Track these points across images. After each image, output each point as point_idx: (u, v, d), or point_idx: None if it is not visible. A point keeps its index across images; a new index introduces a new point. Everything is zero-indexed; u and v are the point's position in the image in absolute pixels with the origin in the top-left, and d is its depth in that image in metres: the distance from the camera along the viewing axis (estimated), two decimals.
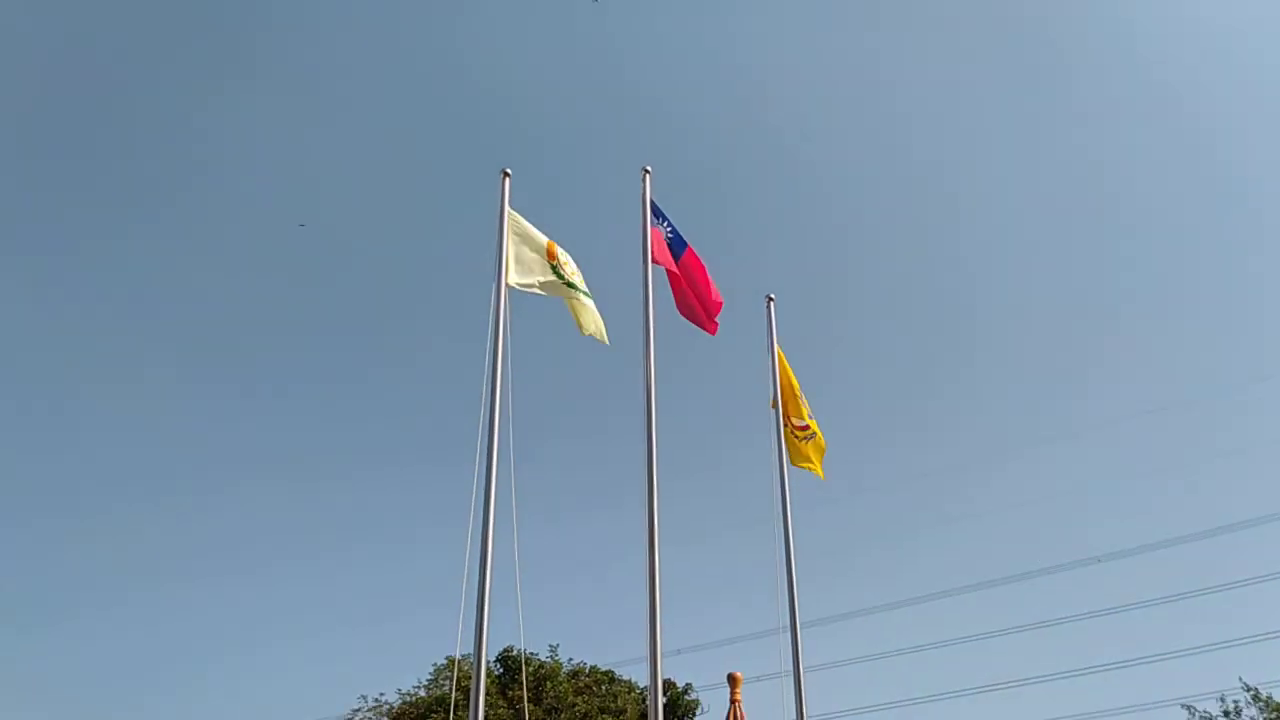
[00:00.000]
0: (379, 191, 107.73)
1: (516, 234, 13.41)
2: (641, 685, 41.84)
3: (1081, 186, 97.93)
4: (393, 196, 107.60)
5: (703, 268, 15.11)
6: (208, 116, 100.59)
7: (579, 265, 14.06)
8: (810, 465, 16.36)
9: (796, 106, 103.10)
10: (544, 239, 13.71)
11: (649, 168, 15.13)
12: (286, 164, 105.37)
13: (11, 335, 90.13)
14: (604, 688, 41.82)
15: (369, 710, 45.20)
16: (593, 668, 42.78)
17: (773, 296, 16.94)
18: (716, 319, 15.10)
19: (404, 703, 42.63)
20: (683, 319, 14.97)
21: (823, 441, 16.55)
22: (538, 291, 13.39)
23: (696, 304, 14.95)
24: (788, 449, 15.83)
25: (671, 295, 14.95)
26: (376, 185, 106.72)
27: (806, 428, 16.34)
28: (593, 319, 13.82)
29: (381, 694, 45.23)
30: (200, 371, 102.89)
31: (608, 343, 13.90)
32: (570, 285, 13.62)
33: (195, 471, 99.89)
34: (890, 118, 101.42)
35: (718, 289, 15.21)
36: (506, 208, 13.44)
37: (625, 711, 39.75)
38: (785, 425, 16.06)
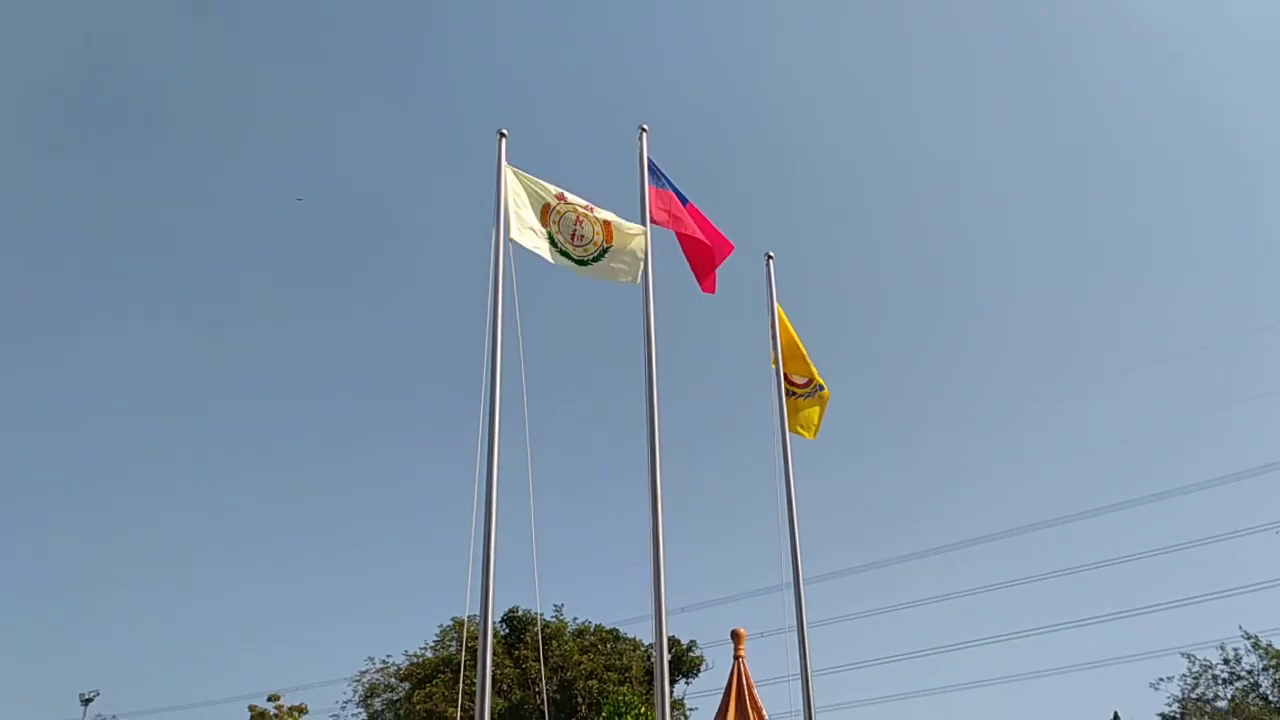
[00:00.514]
0: (376, 157, 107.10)
1: (517, 192, 13.33)
2: (646, 643, 42.19)
3: (1073, 141, 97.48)
4: (390, 162, 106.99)
5: (706, 220, 15.05)
6: (205, 74, 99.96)
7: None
8: (803, 431, 16.38)
9: (790, 68, 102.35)
10: (551, 192, 13.53)
11: (646, 126, 15.04)
12: (283, 125, 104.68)
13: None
14: (609, 646, 42.15)
15: (376, 671, 45.69)
16: (597, 626, 43.09)
17: (772, 254, 16.90)
18: (715, 274, 15.01)
19: (411, 663, 43.03)
20: (689, 276, 14.91)
21: (827, 393, 16.55)
22: (545, 257, 13.29)
23: (705, 255, 14.88)
24: (785, 411, 15.93)
25: (681, 251, 14.91)
26: (374, 150, 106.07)
27: (809, 383, 16.34)
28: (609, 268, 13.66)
29: (389, 655, 45.77)
30: (203, 341, 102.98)
31: (637, 282, 13.64)
32: (564, 254, 13.44)
33: (199, 445, 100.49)
34: (888, 76, 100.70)
35: (723, 236, 15.18)
36: (504, 166, 13.37)
37: (630, 669, 40.09)
38: (785, 384, 16.12)
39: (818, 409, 16.43)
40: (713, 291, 15.09)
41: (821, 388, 16.43)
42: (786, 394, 16.07)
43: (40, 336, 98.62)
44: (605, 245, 13.55)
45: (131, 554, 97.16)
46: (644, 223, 14.05)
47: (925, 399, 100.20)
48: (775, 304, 16.49)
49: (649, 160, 14.63)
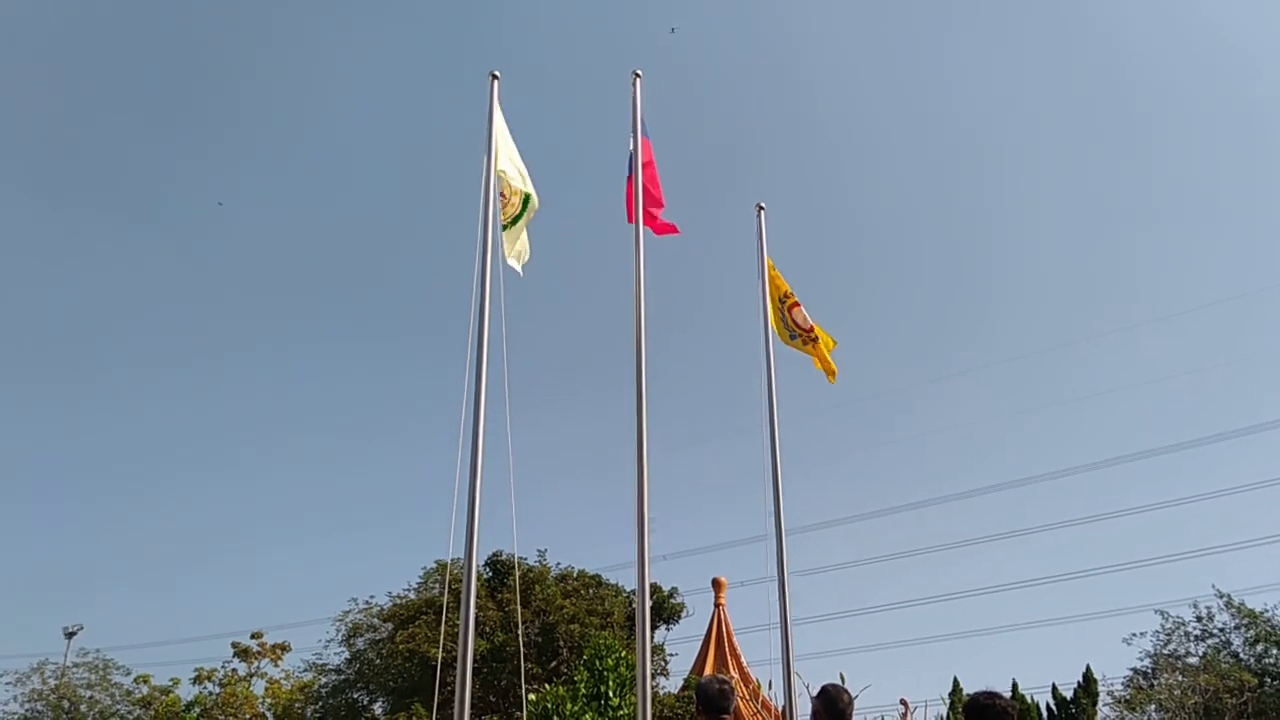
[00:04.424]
0: (371, 94, 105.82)
1: (506, 136, 13.24)
2: (628, 589, 42.58)
3: (1099, 84, 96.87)
4: (385, 101, 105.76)
5: (653, 164, 14.61)
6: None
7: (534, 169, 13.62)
8: (823, 367, 16.38)
9: (791, 12, 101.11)
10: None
11: (639, 71, 14.84)
12: (279, 68, 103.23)
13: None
14: (591, 591, 42.52)
15: (359, 612, 46.03)
16: (580, 572, 43.43)
17: (763, 205, 16.79)
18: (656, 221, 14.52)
19: (394, 605, 43.35)
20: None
21: (830, 340, 16.52)
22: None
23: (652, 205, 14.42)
24: (804, 352, 16.14)
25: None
26: (369, 88, 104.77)
27: (810, 330, 16.32)
28: (517, 245, 13.40)
29: (371, 596, 46.07)
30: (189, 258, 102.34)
31: (521, 272, 13.45)
32: (511, 223, 13.27)
33: (183, 354, 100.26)
34: (921, 23, 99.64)
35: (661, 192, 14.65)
36: (496, 109, 13.25)
37: (612, 614, 40.47)
38: (783, 328, 16.18)
39: (825, 354, 16.36)
40: (675, 231, 14.64)
41: (817, 338, 16.39)
42: (792, 338, 16.14)
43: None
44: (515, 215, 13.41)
45: (115, 463, 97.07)
46: (634, 171, 13.92)
47: (921, 351, 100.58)
48: (765, 255, 16.42)
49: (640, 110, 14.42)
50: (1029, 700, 37.57)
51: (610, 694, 23.63)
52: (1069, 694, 38.70)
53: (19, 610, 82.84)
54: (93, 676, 53.37)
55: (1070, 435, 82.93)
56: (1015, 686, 37.01)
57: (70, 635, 55.11)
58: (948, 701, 32.49)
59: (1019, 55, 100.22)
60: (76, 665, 53.64)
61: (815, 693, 6.29)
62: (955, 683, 37.69)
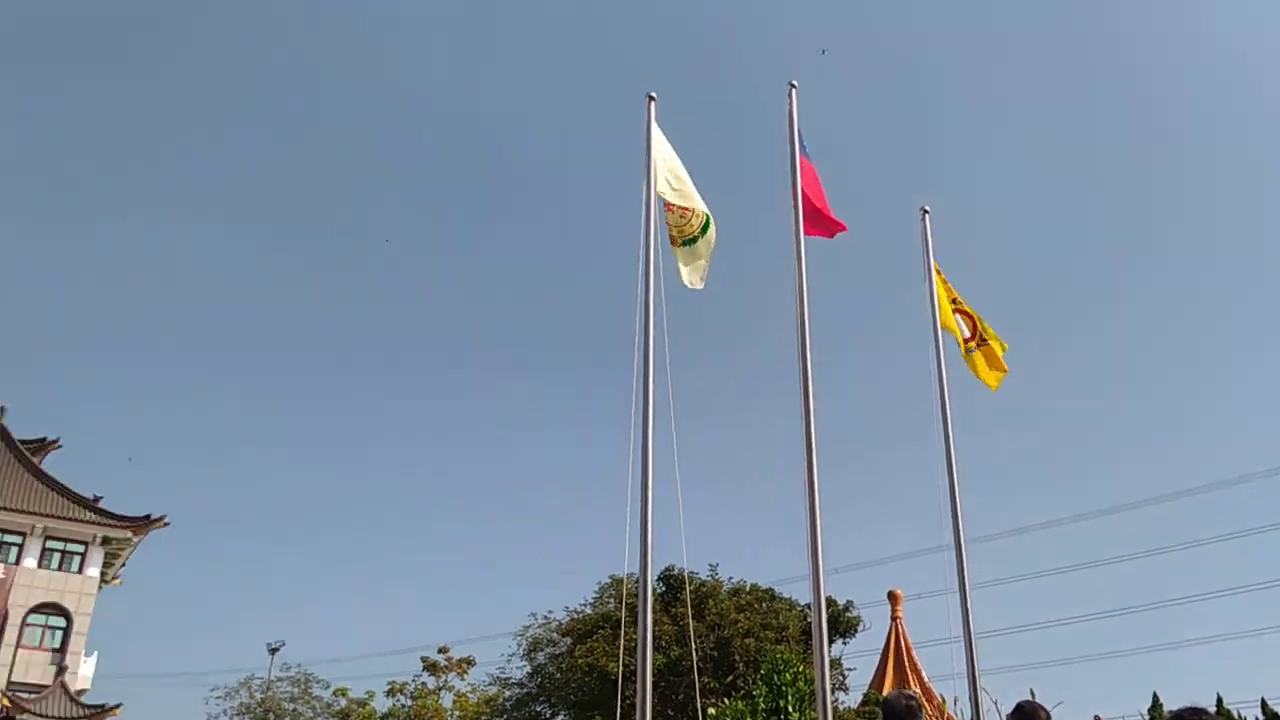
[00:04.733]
0: (534, 114, 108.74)
1: (665, 155, 13.37)
2: (802, 603, 42.10)
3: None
4: (546, 119, 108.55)
5: (812, 170, 14.48)
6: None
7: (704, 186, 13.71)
8: (984, 378, 15.86)
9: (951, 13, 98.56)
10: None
11: (795, 82, 14.74)
12: (454, 109, 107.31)
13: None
14: (764, 605, 42.23)
15: (538, 627, 47.13)
16: (753, 586, 43.21)
17: (927, 209, 16.39)
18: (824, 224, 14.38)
19: (572, 619, 44.16)
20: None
21: (998, 346, 15.96)
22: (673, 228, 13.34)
23: (820, 215, 14.31)
24: (966, 362, 15.65)
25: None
26: (531, 108, 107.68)
27: (973, 337, 15.83)
28: (694, 265, 13.49)
29: (550, 611, 47.10)
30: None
31: (700, 287, 13.55)
32: (686, 242, 13.38)
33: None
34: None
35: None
36: (655, 130, 13.41)
37: (787, 628, 40.07)
38: (958, 332, 15.76)
39: (991, 363, 15.87)
40: (844, 229, 14.51)
41: (985, 343, 15.88)
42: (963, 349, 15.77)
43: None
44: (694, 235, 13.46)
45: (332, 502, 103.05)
46: (792, 197, 13.76)
47: (1099, 354, 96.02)
48: (931, 259, 16.01)
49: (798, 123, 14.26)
50: (1236, 716, 35.09)
51: (790, 709, 23.38)
52: None
53: (227, 627, 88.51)
54: (295, 690, 56.46)
55: (1247, 438, 77.35)
56: (1220, 701, 34.65)
57: (273, 651, 58.44)
58: (1147, 718, 30.76)
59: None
60: (280, 679, 56.86)
61: (1010, 710, 6.06)
62: (1155, 698, 35.55)
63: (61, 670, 42.37)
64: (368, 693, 53.84)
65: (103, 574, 45.84)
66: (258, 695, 55.68)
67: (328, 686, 56.26)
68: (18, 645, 41.89)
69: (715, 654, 39.12)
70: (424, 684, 51.67)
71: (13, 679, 41.00)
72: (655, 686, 35.00)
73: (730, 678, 38.39)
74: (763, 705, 23.68)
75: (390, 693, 51.20)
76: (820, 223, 14.12)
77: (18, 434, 48.19)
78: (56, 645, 43.11)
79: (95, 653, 44.91)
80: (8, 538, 43.42)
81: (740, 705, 23.98)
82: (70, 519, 44.68)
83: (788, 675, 24.11)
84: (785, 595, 43.53)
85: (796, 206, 13.47)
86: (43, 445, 49.84)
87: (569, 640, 42.96)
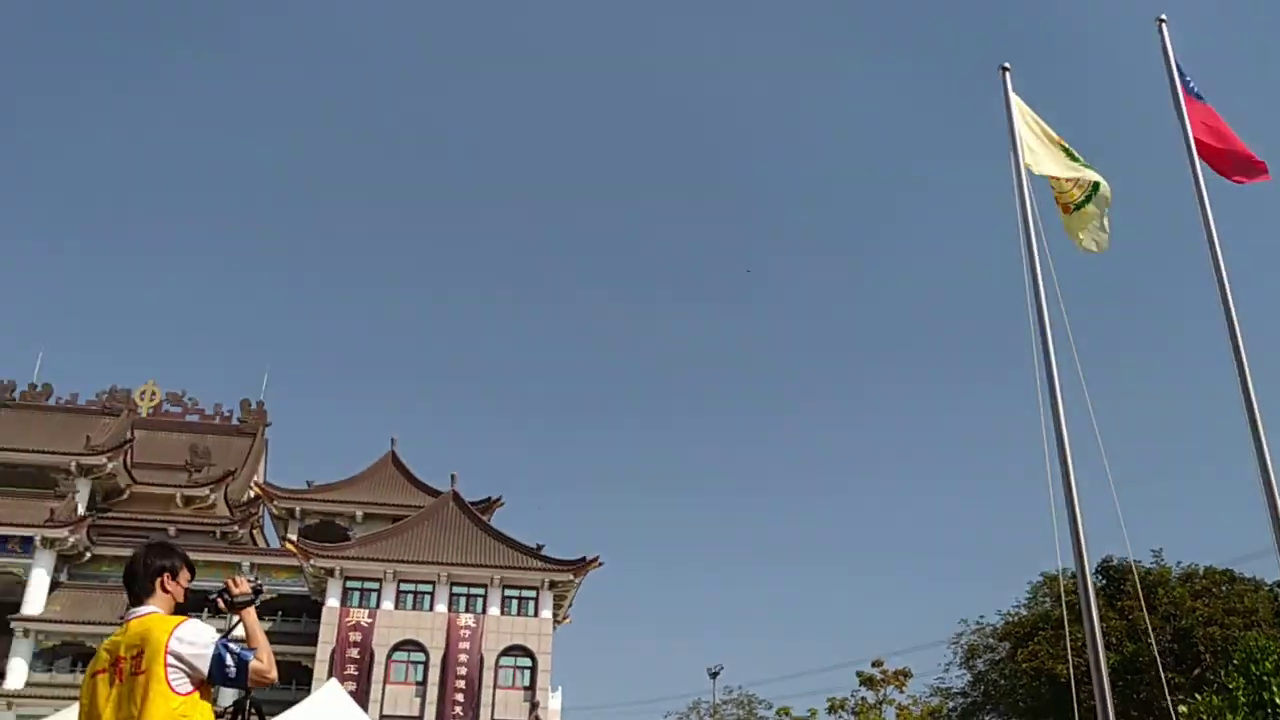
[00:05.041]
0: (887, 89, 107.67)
1: (1029, 125, 12.79)
2: (1269, 581, 37.77)
3: None
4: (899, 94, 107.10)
5: (1219, 119, 12.96)
6: None
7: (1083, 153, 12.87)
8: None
9: None
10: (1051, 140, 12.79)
11: (1164, 16, 13.49)
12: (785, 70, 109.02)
13: None
14: (1224, 588, 38.30)
15: (972, 633, 45.72)
16: (1207, 569, 39.34)
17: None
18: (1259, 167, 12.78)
19: (1007, 623, 42.45)
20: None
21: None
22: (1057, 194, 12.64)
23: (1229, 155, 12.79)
24: None
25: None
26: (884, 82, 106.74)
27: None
28: (1088, 230, 12.57)
29: (982, 616, 45.52)
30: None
31: (1106, 248, 12.61)
32: (1075, 205, 12.55)
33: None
34: None
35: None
36: (1013, 98, 12.93)
37: (1255, 611, 36.03)
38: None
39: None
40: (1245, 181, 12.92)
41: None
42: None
43: None
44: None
45: None
46: (1182, 120, 12.59)
47: None
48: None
49: (1175, 59, 13.03)
50: None
51: (1277, 701, 20.92)
52: None
53: (668, 653, 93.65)
54: (740, 712, 58.67)
55: None
56: None
57: (714, 675, 61.02)
58: None
59: None
60: (725, 701, 59.26)
61: None
62: None
63: (535, 706, 47.05)
64: (810, 710, 54.63)
65: (554, 614, 50.49)
66: (706, 718, 58.37)
67: (770, 707, 57.79)
68: (495, 686, 47.24)
69: (1175, 647, 35.89)
70: (863, 699, 51.64)
71: (495, 716, 46.15)
72: (1112, 686, 32.72)
73: (1197, 671, 35.05)
74: (1242, 700, 21.36)
75: (831, 709, 51.67)
76: (1242, 167, 12.73)
77: (467, 496, 54.62)
78: (526, 683, 47.95)
79: (559, 687, 49.43)
80: (474, 590, 49.13)
81: (1216, 701, 21.80)
82: (522, 568, 49.87)
83: (1268, 664, 21.59)
84: (1246, 576, 39.20)
85: (1190, 153, 12.27)
86: (489, 504, 56.18)
87: (1007, 645, 41.31)
